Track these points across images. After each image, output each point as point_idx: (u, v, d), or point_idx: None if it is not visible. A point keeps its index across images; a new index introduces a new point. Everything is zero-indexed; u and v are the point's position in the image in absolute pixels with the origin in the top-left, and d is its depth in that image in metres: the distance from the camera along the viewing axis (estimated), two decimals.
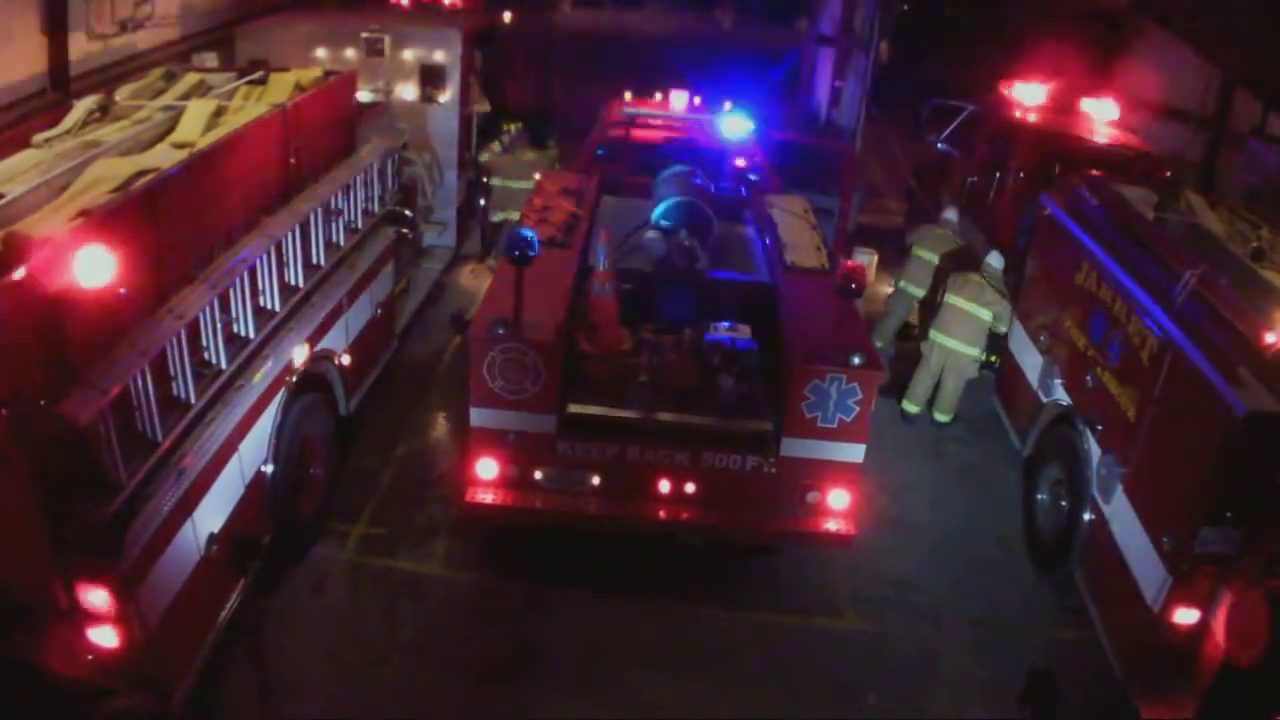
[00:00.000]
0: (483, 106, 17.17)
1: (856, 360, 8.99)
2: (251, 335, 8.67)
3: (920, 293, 15.06)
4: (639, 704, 9.04)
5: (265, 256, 8.93)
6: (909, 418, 13.90)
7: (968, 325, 13.14)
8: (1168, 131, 19.70)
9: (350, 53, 15.08)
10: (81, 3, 12.45)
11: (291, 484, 9.58)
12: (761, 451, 9.47)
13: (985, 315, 13.05)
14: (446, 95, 15.66)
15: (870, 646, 9.89)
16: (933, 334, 13.47)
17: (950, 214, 15.38)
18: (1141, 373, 9.61)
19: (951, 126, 18.80)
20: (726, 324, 9.97)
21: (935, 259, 14.91)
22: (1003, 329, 13.24)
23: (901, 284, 15.15)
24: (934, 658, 9.85)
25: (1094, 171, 13.40)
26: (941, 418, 13.77)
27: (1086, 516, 10.13)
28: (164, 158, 8.40)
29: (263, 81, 10.87)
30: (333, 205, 10.47)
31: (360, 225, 11.29)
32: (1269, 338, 8.55)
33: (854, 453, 9.43)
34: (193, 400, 7.69)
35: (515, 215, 15.04)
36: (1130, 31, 22.38)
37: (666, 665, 9.40)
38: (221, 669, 8.37)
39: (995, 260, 13.40)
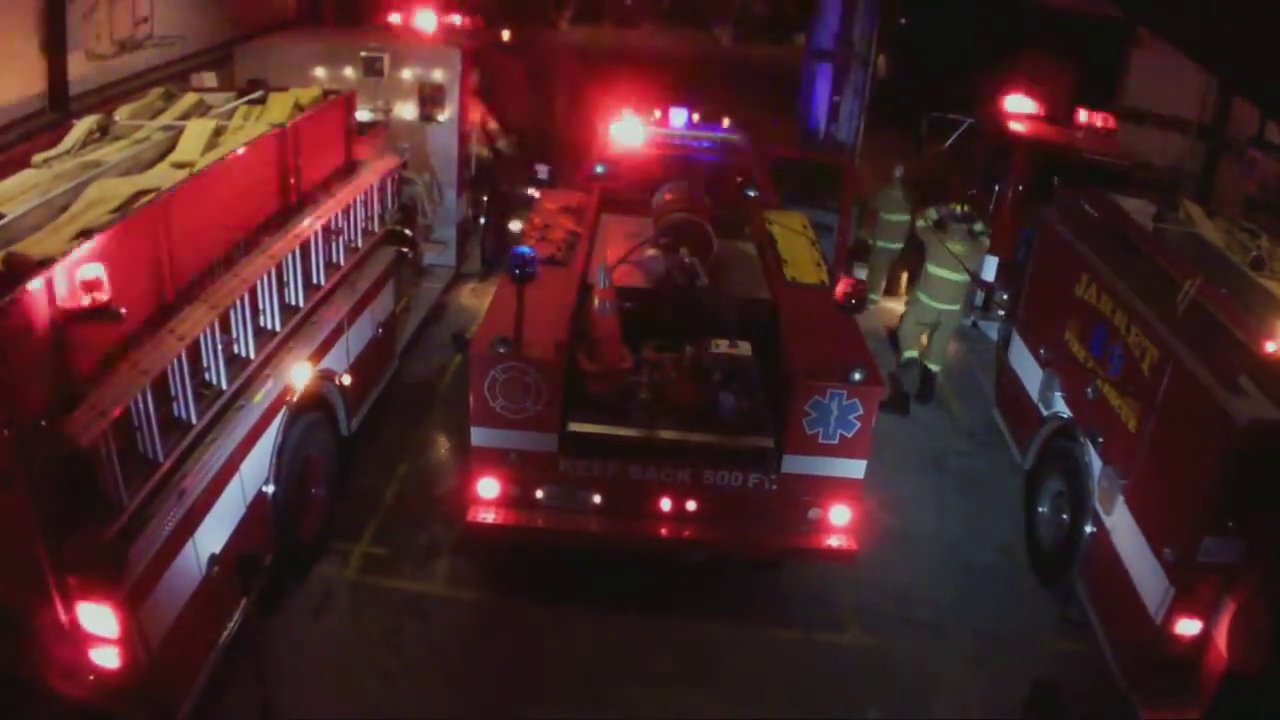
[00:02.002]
0: (506, 144, 17.16)
1: (857, 376, 8.99)
2: (252, 355, 8.67)
3: (894, 246, 16.83)
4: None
5: (266, 276, 8.93)
6: (908, 364, 15.18)
7: (953, 289, 14.36)
8: (1166, 141, 19.74)
9: (349, 72, 15.09)
10: (80, 23, 12.48)
11: (293, 504, 9.58)
12: (763, 468, 9.46)
13: (964, 278, 14.31)
14: (446, 114, 15.68)
15: (873, 660, 9.87)
16: (923, 298, 14.67)
17: (898, 172, 16.99)
18: (1142, 384, 9.61)
19: (950, 140, 18.84)
20: (727, 341, 9.97)
21: (898, 217, 16.53)
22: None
23: (880, 244, 16.95)
24: (937, 671, 9.83)
25: (1092, 183, 13.42)
26: (934, 366, 14.87)
27: (1088, 528, 10.12)
28: (164, 178, 8.40)
29: (262, 101, 10.88)
30: (333, 225, 10.47)
31: (360, 245, 11.30)
32: (1269, 346, 8.56)
33: (855, 468, 9.42)
34: (194, 420, 7.69)
35: None
36: (1128, 42, 22.41)
37: (669, 681, 9.38)
38: (224, 689, 8.35)
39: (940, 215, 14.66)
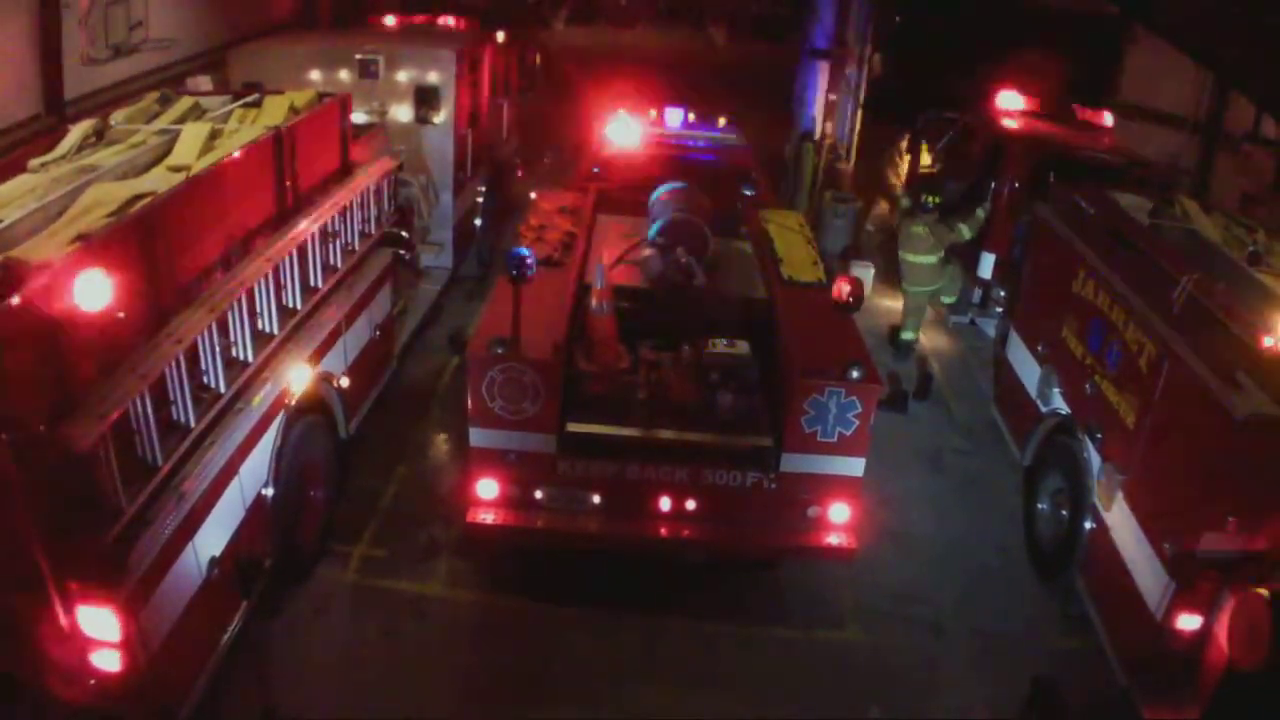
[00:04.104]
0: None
1: (855, 374, 8.99)
2: (250, 358, 8.66)
3: (927, 289, 16.02)
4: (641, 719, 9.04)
5: (263, 279, 8.92)
6: (907, 344, 16.14)
7: (927, 271, 15.46)
8: (1162, 137, 19.75)
9: (344, 74, 15.09)
10: (75, 27, 12.47)
11: (292, 506, 9.57)
12: (761, 467, 9.47)
13: (934, 259, 15.36)
14: (441, 116, 15.65)
15: (872, 658, 9.88)
16: (904, 286, 15.89)
17: (926, 201, 16.21)
18: (1140, 380, 9.61)
19: (946, 138, 18.85)
20: (724, 340, 9.97)
21: (925, 259, 15.67)
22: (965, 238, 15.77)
23: (913, 290, 16.07)
24: (936, 668, 9.84)
25: (1088, 180, 13.42)
26: (908, 335, 16.09)
27: (1087, 525, 10.12)
28: (160, 181, 8.40)
29: (257, 104, 10.89)
30: (330, 227, 10.47)
31: (357, 247, 11.29)
32: (1266, 341, 8.55)
33: (854, 466, 9.42)
34: (192, 424, 7.68)
35: None
36: (1122, 38, 22.44)
37: (669, 680, 9.39)
38: (224, 691, 8.36)
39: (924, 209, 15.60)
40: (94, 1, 12.83)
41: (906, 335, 16.06)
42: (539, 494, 9.59)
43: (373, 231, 11.81)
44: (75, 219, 7.55)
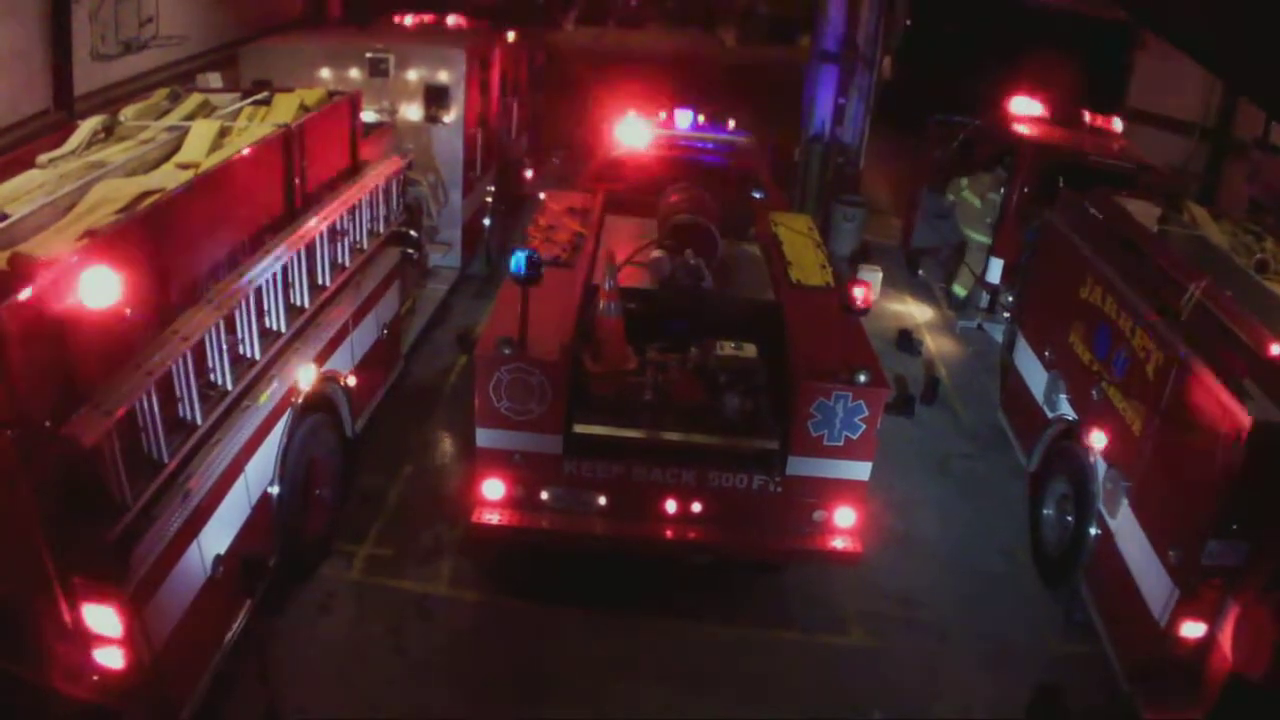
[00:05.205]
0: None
1: (862, 378, 8.98)
2: (257, 356, 8.66)
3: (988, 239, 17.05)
4: None
5: (271, 277, 8.92)
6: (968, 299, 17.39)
7: (972, 211, 16.74)
8: (1170, 143, 19.72)
9: (354, 73, 15.09)
10: (86, 23, 12.49)
11: (298, 505, 9.57)
12: (767, 470, 9.46)
13: (979, 203, 16.76)
14: (451, 115, 15.65)
15: (876, 663, 9.86)
16: (958, 224, 17.37)
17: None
18: (1147, 386, 9.59)
19: (955, 142, 18.82)
20: (732, 342, 9.96)
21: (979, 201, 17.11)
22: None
23: (975, 236, 17.35)
24: (940, 673, 9.81)
25: (1097, 185, 13.41)
26: (960, 291, 17.47)
27: (1093, 531, 10.10)
28: (169, 178, 8.41)
29: (267, 102, 10.88)
30: (338, 226, 10.47)
31: (366, 246, 11.29)
32: (1274, 349, 8.54)
33: (860, 470, 9.41)
34: (199, 421, 7.68)
35: None
36: (1132, 44, 22.40)
37: (672, 682, 9.37)
38: (228, 689, 8.36)
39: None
40: None
41: (957, 290, 17.67)
42: (545, 495, 9.60)
43: (381, 230, 11.81)
44: (83, 215, 7.57)
